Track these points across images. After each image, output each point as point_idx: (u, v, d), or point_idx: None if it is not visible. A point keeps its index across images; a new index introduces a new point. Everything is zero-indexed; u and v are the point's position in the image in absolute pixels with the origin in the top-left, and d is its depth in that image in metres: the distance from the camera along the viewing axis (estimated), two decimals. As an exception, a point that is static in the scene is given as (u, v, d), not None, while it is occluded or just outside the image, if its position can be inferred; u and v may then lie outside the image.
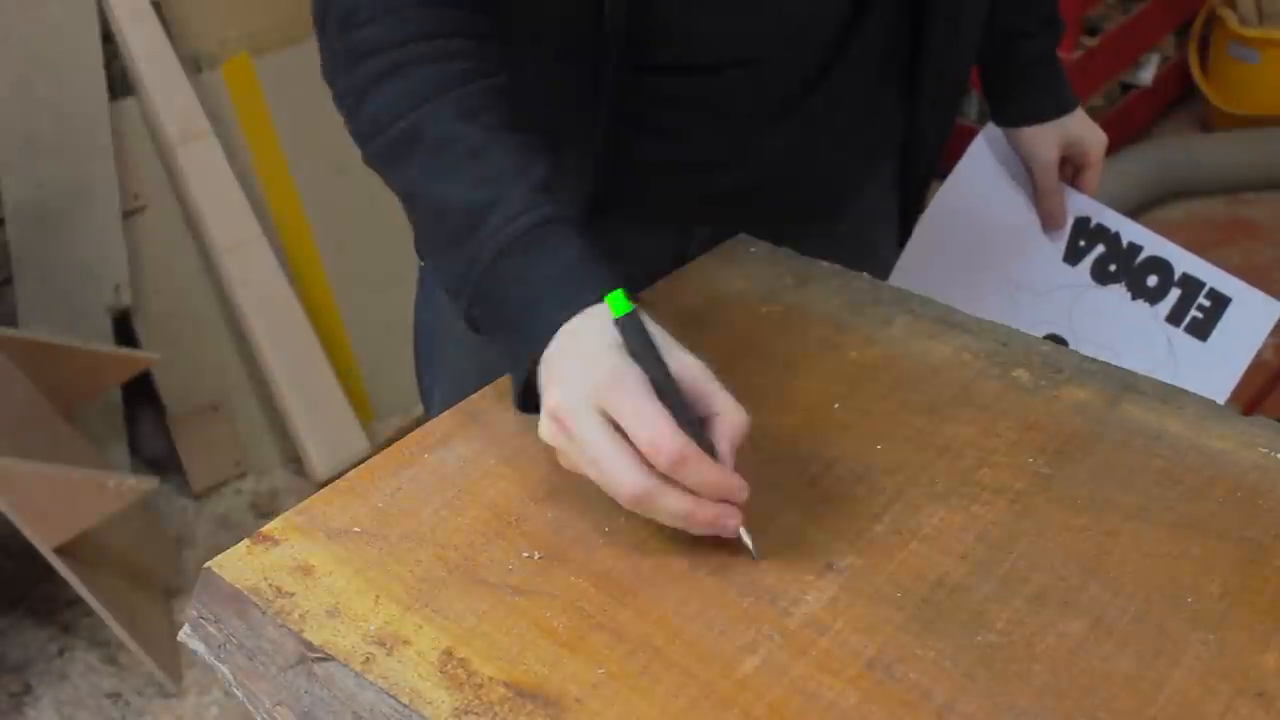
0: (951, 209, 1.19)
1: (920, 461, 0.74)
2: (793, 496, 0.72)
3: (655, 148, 0.97)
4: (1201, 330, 1.11)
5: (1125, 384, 0.81)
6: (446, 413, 0.79)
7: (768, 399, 0.79)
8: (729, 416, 0.69)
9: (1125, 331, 1.13)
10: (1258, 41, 2.97)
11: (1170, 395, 0.80)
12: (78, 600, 1.85)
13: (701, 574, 0.67)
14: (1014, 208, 1.18)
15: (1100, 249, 1.15)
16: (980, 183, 1.19)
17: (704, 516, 0.66)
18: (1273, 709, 0.59)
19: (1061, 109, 1.16)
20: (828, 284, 0.92)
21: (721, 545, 0.68)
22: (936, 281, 1.10)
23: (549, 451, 0.75)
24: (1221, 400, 0.98)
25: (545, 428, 0.69)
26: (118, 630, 1.70)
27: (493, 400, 0.80)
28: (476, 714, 0.59)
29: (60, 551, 1.62)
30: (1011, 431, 0.77)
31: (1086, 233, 1.16)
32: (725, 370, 0.83)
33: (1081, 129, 1.16)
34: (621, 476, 0.65)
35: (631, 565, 0.67)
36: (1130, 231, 1.15)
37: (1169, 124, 3.20)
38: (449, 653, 0.62)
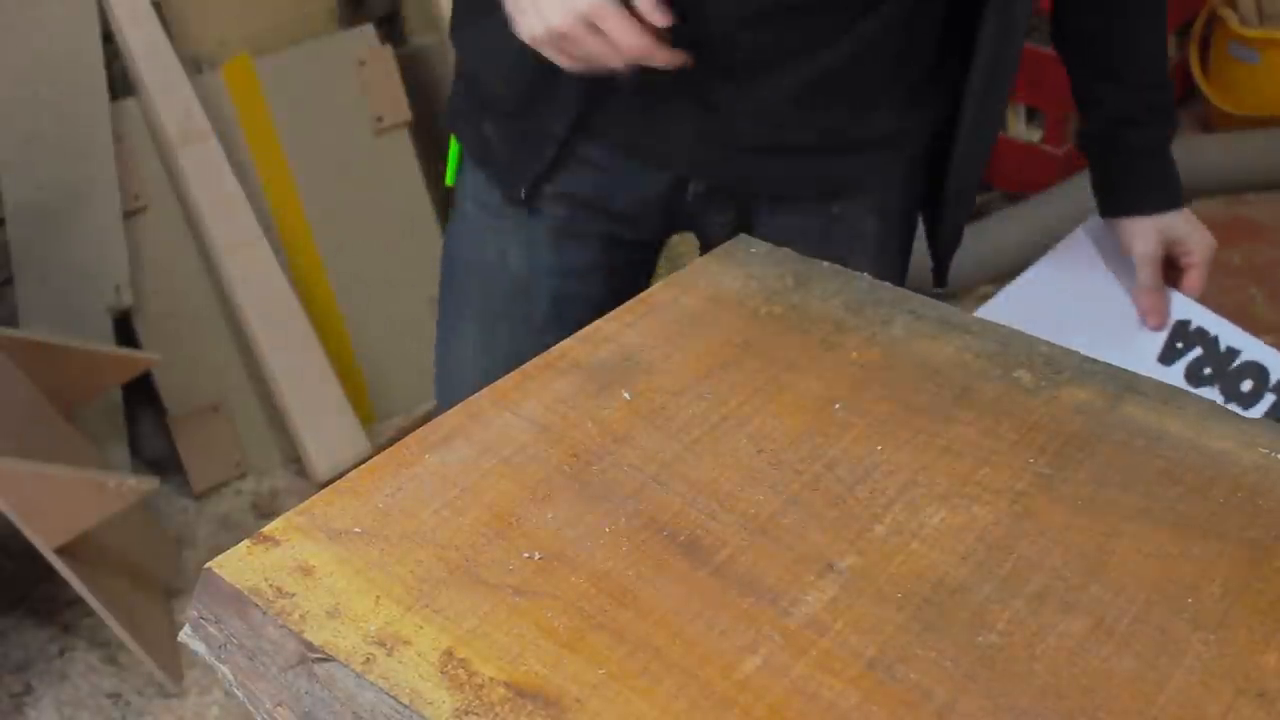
0: (1039, 290, 1.16)
1: (921, 462, 0.74)
2: (793, 496, 0.72)
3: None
4: None
5: (1126, 384, 0.81)
6: (447, 413, 0.79)
7: (768, 399, 0.79)
8: None
9: None
10: (1258, 42, 2.97)
11: (1171, 396, 0.80)
12: (78, 600, 1.85)
13: (701, 574, 0.67)
14: (1110, 301, 1.15)
15: (1198, 351, 1.12)
16: (1076, 270, 1.16)
17: (629, 43, 0.87)
18: (1274, 709, 0.59)
19: (1168, 203, 1.14)
20: (828, 284, 0.92)
21: (722, 545, 0.68)
22: None
23: (549, 452, 0.75)
24: None
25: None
26: (118, 630, 1.70)
27: (493, 401, 0.80)
28: (477, 714, 0.59)
29: (61, 552, 1.62)
30: (1012, 432, 0.77)
31: (1185, 335, 1.13)
32: (725, 370, 0.83)
33: (1188, 228, 1.14)
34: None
35: (632, 565, 0.67)
36: (1229, 335, 1.12)
37: (1169, 124, 3.19)
38: (449, 653, 0.62)
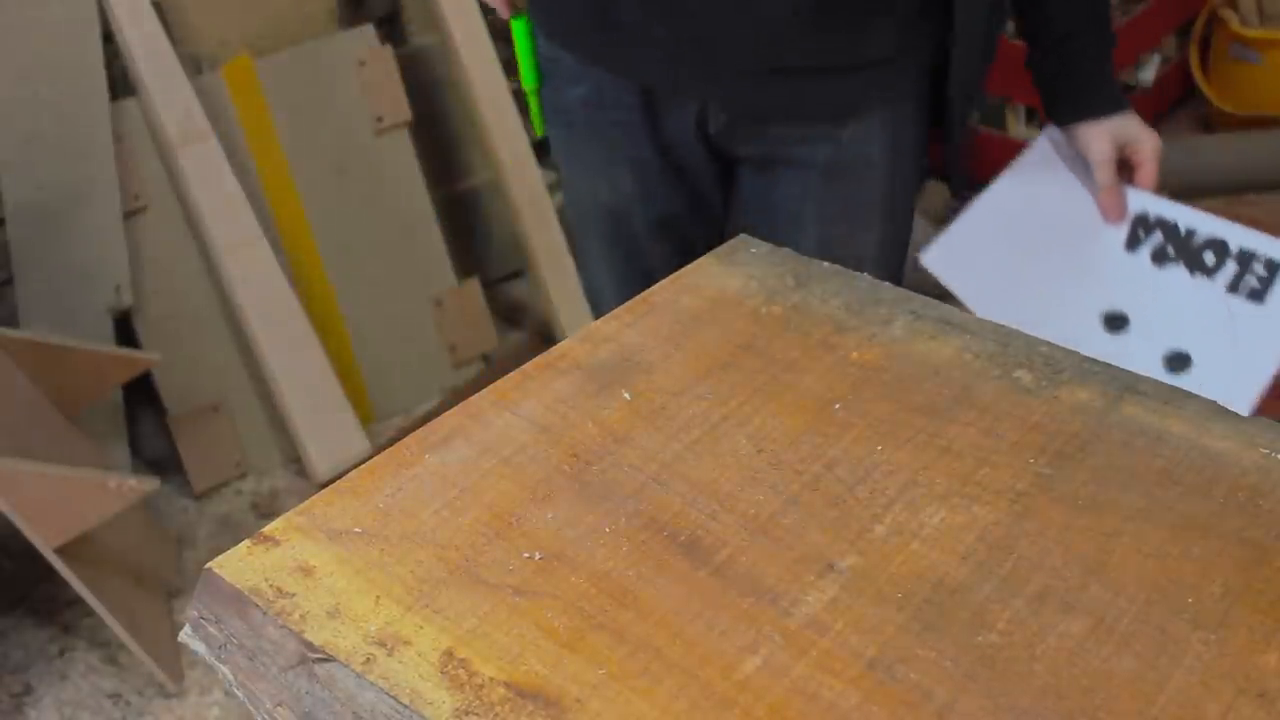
0: (1009, 196, 1.27)
1: (921, 462, 0.74)
2: (793, 496, 0.72)
3: None
4: (1259, 295, 1.17)
5: (1126, 385, 0.81)
6: (447, 413, 0.79)
7: (768, 399, 0.79)
8: None
9: (1186, 305, 1.19)
10: (1259, 42, 2.97)
11: (1171, 396, 0.80)
12: (78, 600, 1.85)
13: (702, 574, 0.67)
14: (1074, 201, 1.26)
15: (1158, 236, 1.23)
16: (1041, 175, 1.28)
17: None
18: (1274, 709, 0.59)
19: (1115, 107, 1.24)
20: (828, 284, 0.92)
21: (722, 545, 0.68)
22: (989, 260, 1.23)
23: (549, 452, 0.75)
24: None
25: None
26: (118, 630, 1.70)
27: (493, 401, 0.80)
28: (477, 714, 0.59)
29: (61, 552, 1.62)
30: (1012, 432, 0.77)
31: (1145, 224, 1.24)
32: (725, 370, 0.83)
33: (1137, 129, 1.25)
34: None
35: (632, 565, 0.67)
36: (1187, 218, 1.22)
37: (1170, 125, 3.19)
38: (450, 653, 0.62)
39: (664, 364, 0.83)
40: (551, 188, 2.43)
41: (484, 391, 0.81)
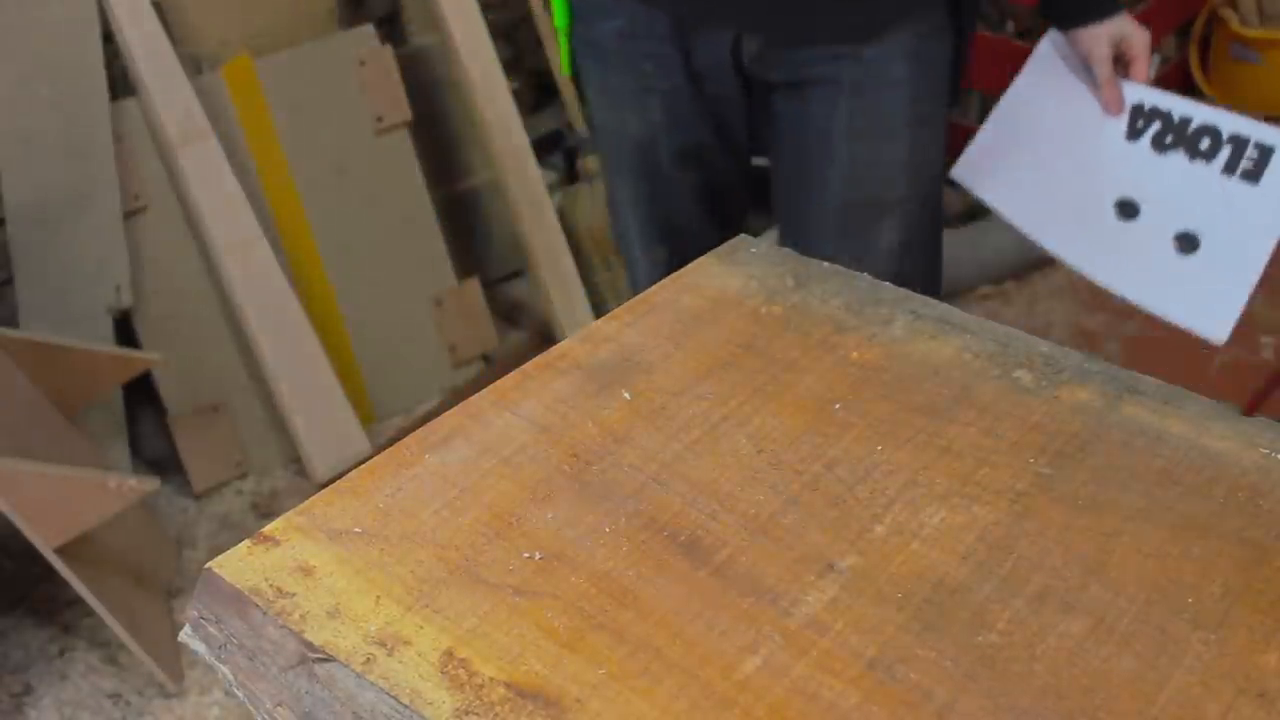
0: (1021, 103, 1.40)
1: (921, 462, 0.74)
2: (793, 496, 0.72)
3: None
4: (1253, 176, 1.28)
5: (1126, 385, 0.81)
6: (447, 413, 0.79)
7: (768, 399, 0.79)
8: None
9: (1188, 188, 1.30)
10: (1259, 42, 2.97)
11: (1171, 396, 0.80)
12: (78, 600, 1.85)
13: (702, 574, 0.67)
14: (1078, 100, 1.38)
15: (1157, 125, 1.34)
16: (1046, 80, 1.40)
17: None
18: (1274, 709, 0.59)
19: (1111, 9, 1.36)
20: (828, 284, 0.92)
21: (722, 545, 0.68)
22: (1010, 165, 1.35)
23: (549, 452, 0.75)
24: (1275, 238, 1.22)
25: None
26: (118, 630, 1.70)
27: (493, 401, 0.80)
28: (477, 714, 0.59)
29: (61, 552, 1.62)
30: (1012, 432, 0.77)
31: (1143, 115, 1.35)
32: (725, 370, 0.83)
33: (1130, 28, 1.37)
34: None
35: (632, 565, 0.67)
36: (1181, 107, 1.34)
37: (1170, 124, 3.19)
38: (450, 653, 0.62)
39: (664, 364, 0.83)
40: (551, 188, 2.43)
41: (484, 391, 0.81)
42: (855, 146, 1.34)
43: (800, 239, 1.39)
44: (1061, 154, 1.37)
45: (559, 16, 1.42)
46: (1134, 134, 1.35)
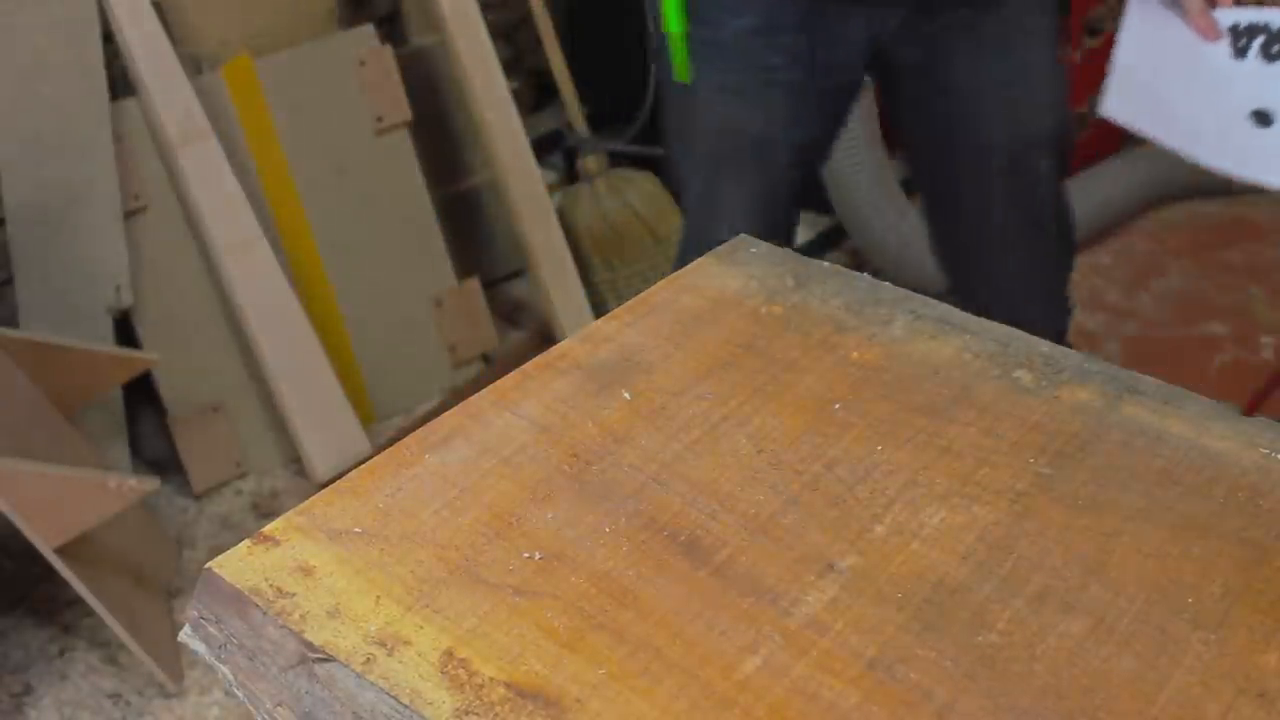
0: (1137, 36, 1.46)
1: (921, 462, 0.74)
2: (793, 496, 0.72)
3: None
4: None
5: (1126, 385, 0.81)
6: (447, 413, 0.79)
7: (768, 399, 0.79)
8: None
9: None
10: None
11: (1171, 396, 0.80)
12: (78, 600, 1.85)
13: (702, 574, 0.67)
14: (1179, 30, 1.43)
15: (1261, 39, 1.39)
16: (1150, 14, 1.45)
17: None
18: (1274, 709, 0.59)
19: None
20: (828, 284, 0.92)
21: (722, 545, 0.68)
22: (1150, 98, 1.43)
23: (549, 452, 0.75)
24: None
25: None
26: (118, 630, 1.70)
27: (493, 401, 0.80)
28: (477, 714, 0.59)
29: (61, 552, 1.62)
30: (1012, 432, 0.77)
31: (1240, 33, 1.40)
32: (725, 370, 0.83)
33: None
34: None
35: (632, 565, 0.67)
36: (1273, 18, 1.39)
37: (1170, 125, 3.19)
38: (450, 653, 0.62)
39: (664, 364, 0.83)
40: (551, 188, 2.43)
41: (484, 391, 0.81)
42: (1009, 94, 1.43)
43: (957, 191, 1.52)
44: (1188, 80, 1.43)
45: (673, 21, 1.42)
46: (1239, 53, 1.39)
